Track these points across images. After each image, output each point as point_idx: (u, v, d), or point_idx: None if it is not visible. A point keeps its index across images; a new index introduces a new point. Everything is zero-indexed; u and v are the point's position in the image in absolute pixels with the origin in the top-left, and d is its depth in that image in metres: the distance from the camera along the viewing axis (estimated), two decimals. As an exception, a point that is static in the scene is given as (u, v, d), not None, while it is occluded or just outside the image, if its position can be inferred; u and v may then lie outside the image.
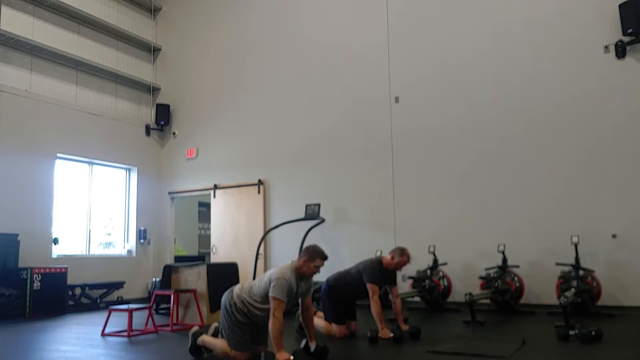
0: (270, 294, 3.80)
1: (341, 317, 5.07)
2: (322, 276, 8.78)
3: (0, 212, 8.02)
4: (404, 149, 8.24)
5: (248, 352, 3.96)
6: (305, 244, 8.43)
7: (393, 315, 5.40)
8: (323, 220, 8.35)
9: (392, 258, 5.09)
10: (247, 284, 4.06)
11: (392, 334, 4.72)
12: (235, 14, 10.39)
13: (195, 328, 4.30)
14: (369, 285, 4.98)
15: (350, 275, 5.17)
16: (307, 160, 9.12)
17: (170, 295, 6.43)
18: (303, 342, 4.12)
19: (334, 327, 5.03)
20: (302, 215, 8.70)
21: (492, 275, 6.82)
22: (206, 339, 4.16)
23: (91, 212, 9.79)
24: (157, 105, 10.80)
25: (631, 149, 6.64)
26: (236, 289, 4.06)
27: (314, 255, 3.93)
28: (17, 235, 7.95)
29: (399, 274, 7.92)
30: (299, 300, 4.12)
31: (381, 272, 5.08)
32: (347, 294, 5.13)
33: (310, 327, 4.10)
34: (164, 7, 11.41)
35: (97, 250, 9.91)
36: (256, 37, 10.02)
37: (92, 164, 9.88)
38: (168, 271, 6.78)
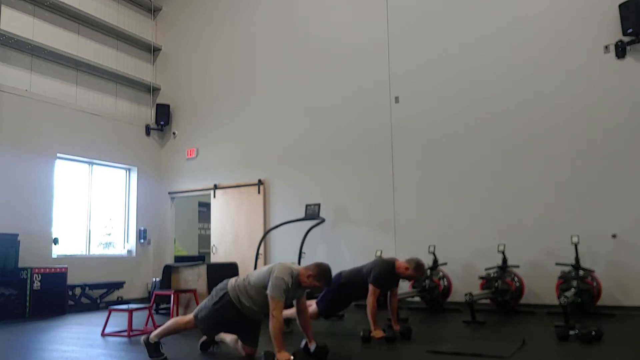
0: (269, 293, 3.80)
1: (331, 313, 5.14)
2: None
3: (0, 212, 8.02)
4: (404, 149, 8.24)
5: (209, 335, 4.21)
6: (306, 245, 8.49)
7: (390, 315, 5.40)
8: (323, 220, 8.35)
9: (407, 269, 4.97)
10: (245, 276, 4.07)
11: (384, 334, 4.73)
12: (235, 14, 10.39)
13: (142, 338, 4.23)
14: (370, 286, 4.96)
15: (361, 276, 5.11)
16: (307, 160, 9.12)
17: (170, 295, 6.44)
18: (303, 342, 4.12)
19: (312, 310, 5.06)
20: (302, 215, 8.70)
21: (492, 275, 6.82)
22: (157, 332, 4.15)
23: (91, 212, 9.79)
24: (157, 105, 10.80)
25: (631, 148, 6.64)
26: (232, 280, 4.09)
27: (319, 278, 3.88)
28: (17, 235, 7.95)
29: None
30: (294, 302, 4.11)
31: (389, 276, 5.01)
32: (353, 294, 5.11)
33: (308, 328, 4.09)
34: (164, 7, 11.41)
35: (97, 250, 9.91)
36: (256, 37, 10.02)
37: (92, 164, 9.88)
38: (168, 271, 6.78)
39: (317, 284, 3.90)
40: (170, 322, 4.17)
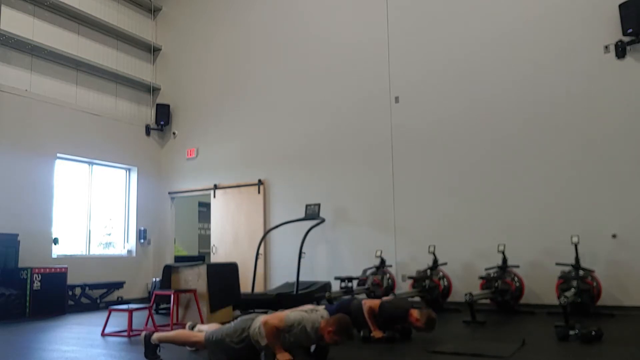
0: (279, 310, 3.78)
1: None
2: (325, 275, 8.75)
3: (0, 212, 8.02)
4: (404, 149, 8.24)
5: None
6: (306, 245, 8.48)
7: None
8: (323, 220, 8.34)
9: (418, 320, 4.71)
10: None
11: (384, 334, 4.72)
12: (235, 13, 10.39)
13: (143, 333, 4.16)
14: (375, 301, 4.82)
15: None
16: (307, 160, 9.12)
17: (170, 295, 6.43)
18: (303, 342, 4.11)
19: None
20: (302, 215, 8.70)
21: (492, 275, 6.82)
22: (161, 335, 4.07)
23: (91, 212, 9.79)
24: (157, 105, 10.80)
25: (631, 148, 6.64)
26: (256, 323, 3.83)
27: (340, 333, 3.76)
28: (17, 235, 7.95)
29: (399, 274, 7.95)
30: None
31: (398, 319, 4.82)
32: (358, 324, 4.97)
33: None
34: (164, 7, 11.41)
35: (97, 250, 9.91)
36: (256, 37, 10.02)
37: (92, 164, 9.87)
38: (168, 271, 6.77)
39: (337, 338, 3.77)
40: (178, 333, 4.06)
